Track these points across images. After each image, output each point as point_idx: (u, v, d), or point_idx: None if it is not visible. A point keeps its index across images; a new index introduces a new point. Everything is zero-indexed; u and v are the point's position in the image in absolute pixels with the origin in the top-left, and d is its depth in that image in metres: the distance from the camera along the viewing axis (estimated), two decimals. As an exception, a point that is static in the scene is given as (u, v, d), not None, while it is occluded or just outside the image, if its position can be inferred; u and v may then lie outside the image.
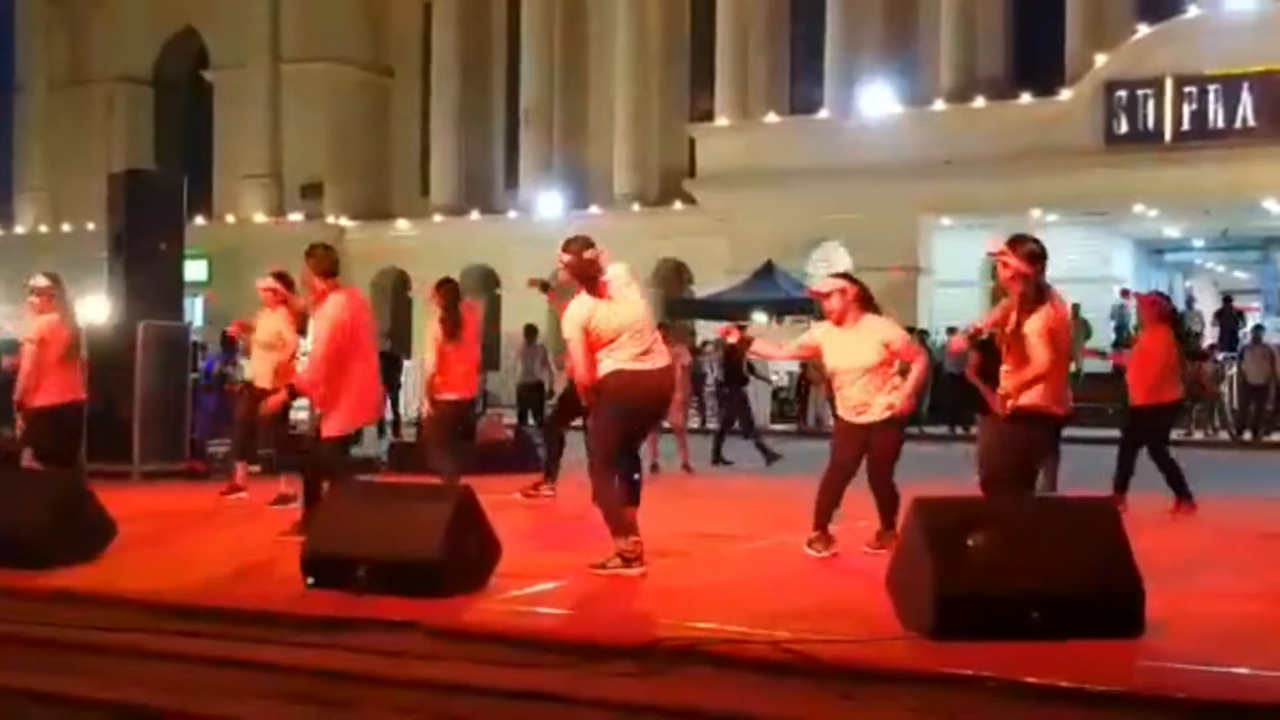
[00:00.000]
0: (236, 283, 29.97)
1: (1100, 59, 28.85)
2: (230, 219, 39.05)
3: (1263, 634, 5.74)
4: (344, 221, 38.66)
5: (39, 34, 43.74)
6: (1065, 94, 29.24)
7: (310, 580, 6.55)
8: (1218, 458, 17.47)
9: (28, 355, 9.75)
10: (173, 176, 19.13)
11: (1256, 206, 28.16)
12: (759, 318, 26.81)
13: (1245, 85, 26.99)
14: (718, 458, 16.53)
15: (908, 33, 32.97)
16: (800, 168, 30.14)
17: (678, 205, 34.54)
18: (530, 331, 22.11)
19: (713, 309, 28.67)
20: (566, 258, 7.27)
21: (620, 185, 36.04)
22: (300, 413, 15.01)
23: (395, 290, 38.29)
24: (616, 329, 7.13)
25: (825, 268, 29.36)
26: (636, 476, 7.50)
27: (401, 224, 38.68)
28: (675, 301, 31.87)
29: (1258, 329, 24.57)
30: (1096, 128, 28.29)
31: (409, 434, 15.72)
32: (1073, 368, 9.37)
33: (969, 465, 13.30)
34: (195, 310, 32.28)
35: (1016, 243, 7.07)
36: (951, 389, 21.25)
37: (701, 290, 32.40)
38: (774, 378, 25.21)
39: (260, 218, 39.03)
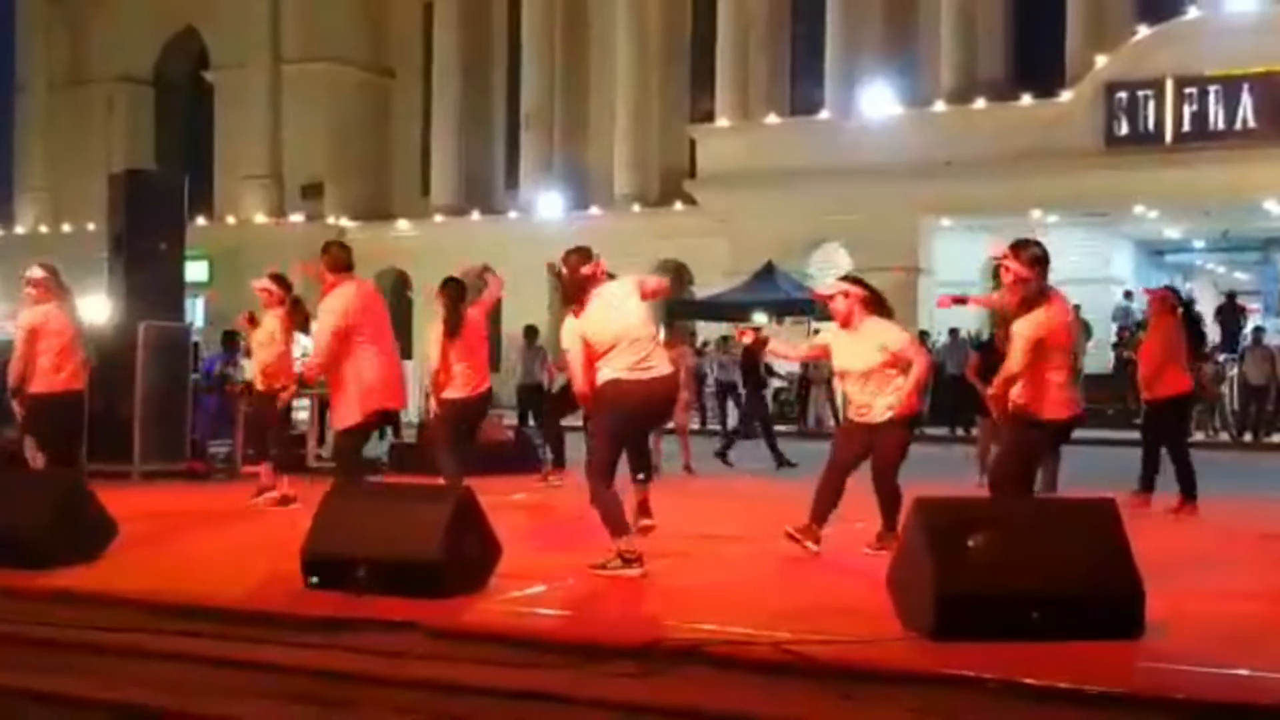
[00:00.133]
0: (237, 283, 29.83)
1: (1100, 60, 28.86)
2: (231, 219, 39.06)
3: (1263, 634, 5.74)
4: (344, 222, 38.66)
5: (39, 34, 43.76)
6: (1066, 95, 29.24)
7: (310, 580, 6.55)
8: (1218, 459, 17.44)
9: (20, 342, 9.69)
10: (173, 177, 19.14)
11: (1257, 208, 28.17)
12: (759, 318, 26.77)
13: (1245, 86, 26.98)
14: (723, 456, 16.50)
15: (908, 34, 32.98)
16: (800, 168, 30.15)
17: (678, 206, 34.55)
18: (530, 332, 22.07)
19: (713, 310, 28.68)
20: (562, 270, 7.33)
21: (621, 186, 36.05)
22: (301, 413, 15.07)
23: (395, 291, 38.27)
24: (612, 338, 7.15)
25: (826, 269, 29.45)
26: (642, 476, 7.64)
27: (402, 224, 38.69)
28: (675, 302, 31.82)
29: (1258, 330, 24.58)
30: (1097, 129, 28.29)
31: (409, 434, 15.69)
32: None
33: (969, 466, 13.42)
34: (196, 311, 32.26)
35: (1019, 247, 7.08)
36: (952, 390, 21.28)
37: (702, 291, 32.39)
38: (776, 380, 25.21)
39: (261, 218, 39.04)
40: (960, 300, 8.15)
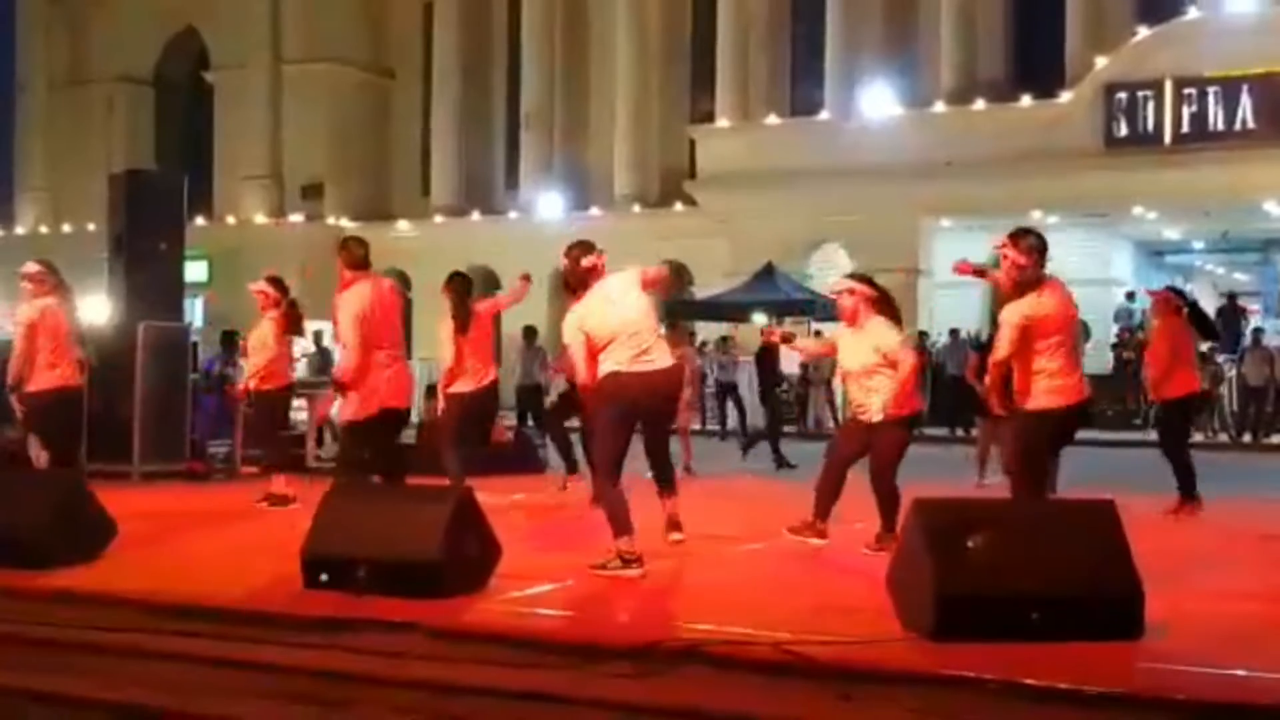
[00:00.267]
0: (237, 284, 29.66)
1: (1100, 61, 28.84)
2: (231, 220, 39.01)
3: (1263, 634, 5.74)
4: (344, 222, 38.56)
5: (39, 34, 43.72)
6: (1065, 96, 29.23)
7: (310, 580, 6.55)
8: (1217, 459, 17.42)
9: (19, 339, 9.63)
10: (173, 177, 19.12)
11: (1256, 208, 28.16)
12: (759, 319, 26.79)
13: (1245, 87, 26.97)
14: (780, 460, 16.40)
15: (908, 34, 32.97)
16: (801, 169, 30.13)
17: (678, 206, 34.53)
18: (530, 333, 22.09)
19: (713, 310, 28.66)
20: (565, 262, 7.36)
21: (621, 186, 36.04)
22: (300, 413, 15.07)
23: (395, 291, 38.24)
24: (611, 333, 7.17)
25: (826, 269, 29.44)
26: (666, 487, 7.75)
27: (402, 225, 38.64)
28: (675, 302, 31.81)
29: (1257, 331, 24.59)
30: (1096, 130, 28.28)
31: (408, 435, 15.67)
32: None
33: (969, 466, 13.44)
34: (195, 311, 32.24)
35: (1018, 236, 7.12)
36: (951, 390, 21.28)
37: (702, 292, 32.37)
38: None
39: (261, 218, 39.00)
40: (980, 272, 8.14)
